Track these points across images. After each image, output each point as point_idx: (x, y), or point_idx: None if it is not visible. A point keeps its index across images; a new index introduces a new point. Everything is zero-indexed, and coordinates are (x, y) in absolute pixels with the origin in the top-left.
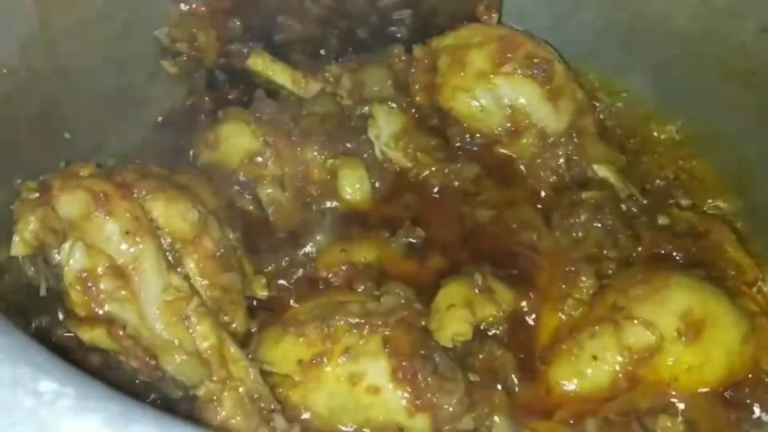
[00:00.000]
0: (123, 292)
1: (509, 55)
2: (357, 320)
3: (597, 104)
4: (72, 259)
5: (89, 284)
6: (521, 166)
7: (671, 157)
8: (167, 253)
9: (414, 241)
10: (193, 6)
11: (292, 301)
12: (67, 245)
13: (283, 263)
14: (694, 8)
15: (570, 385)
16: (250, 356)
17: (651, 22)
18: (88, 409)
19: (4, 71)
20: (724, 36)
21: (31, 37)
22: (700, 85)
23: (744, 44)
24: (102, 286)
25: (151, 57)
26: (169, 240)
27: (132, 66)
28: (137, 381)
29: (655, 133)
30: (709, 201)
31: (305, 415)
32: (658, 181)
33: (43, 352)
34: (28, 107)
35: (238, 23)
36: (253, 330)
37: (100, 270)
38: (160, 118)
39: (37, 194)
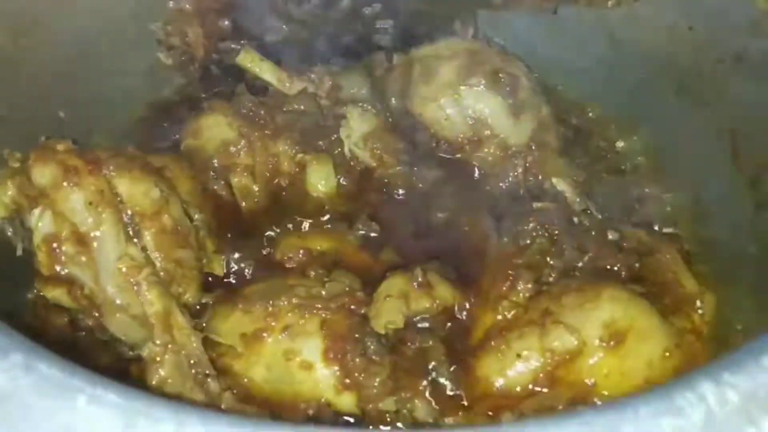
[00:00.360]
0: (83, 258)
1: (476, 69)
2: (300, 302)
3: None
4: (41, 223)
5: (54, 247)
6: (480, 174)
7: (633, 177)
8: (127, 226)
9: (370, 234)
10: (180, 4)
11: (247, 279)
12: (37, 211)
13: (246, 245)
14: (659, 35)
15: (494, 380)
16: (204, 325)
17: (624, 45)
18: None
19: None
20: (685, 64)
21: (26, 25)
22: (664, 109)
23: (701, 73)
24: (64, 249)
25: (148, 47)
26: (130, 213)
27: (130, 55)
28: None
29: (619, 153)
30: (664, 221)
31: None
32: (618, 198)
33: None
34: (24, 88)
35: (227, 23)
36: (209, 303)
37: (63, 235)
38: (153, 105)
39: (18, 163)
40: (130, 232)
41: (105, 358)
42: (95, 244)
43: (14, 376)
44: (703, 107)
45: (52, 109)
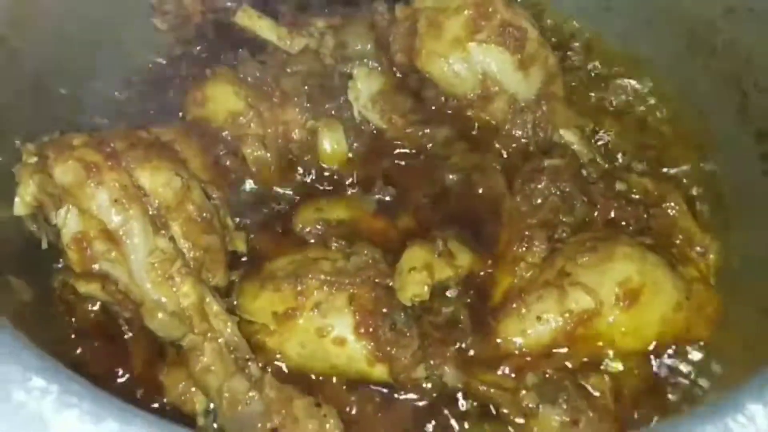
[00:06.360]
0: (114, 254)
1: (483, 23)
2: (327, 278)
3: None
4: (68, 222)
5: (84, 245)
6: (491, 130)
7: (639, 122)
8: (154, 218)
9: (386, 198)
10: None
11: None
12: (62, 210)
13: (264, 218)
14: None
15: (516, 342)
16: (234, 303)
17: None
18: (67, 405)
19: None
20: (692, 10)
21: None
22: (670, 52)
23: (710, 21)
24: (95, 248)
25: (143, 14)
26: (156, 205)
27: (124, 23)
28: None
29: (626, 96)
30: (669, 166)
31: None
32: (624, 144)
33: (32, 352)
34: (24, 69)
35: None
36: (235, 280)
37: (92, 233)
38: (150, 72)
39: (35, 158)
40: (158, 224)
41: (140, 342)
42: (126, 240)
43: None
44: (711, 56)
45: (53, 87)
